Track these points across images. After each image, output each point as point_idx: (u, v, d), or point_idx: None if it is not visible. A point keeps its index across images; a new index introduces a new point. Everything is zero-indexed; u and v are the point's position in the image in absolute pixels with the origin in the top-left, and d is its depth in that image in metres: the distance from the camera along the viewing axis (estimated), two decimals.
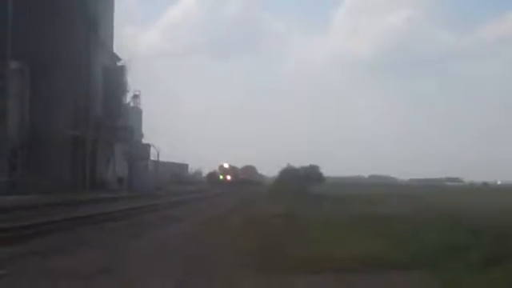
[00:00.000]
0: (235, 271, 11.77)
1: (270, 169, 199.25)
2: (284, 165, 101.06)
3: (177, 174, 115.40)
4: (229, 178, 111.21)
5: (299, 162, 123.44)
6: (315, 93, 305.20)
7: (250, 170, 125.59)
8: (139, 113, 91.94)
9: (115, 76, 70.86)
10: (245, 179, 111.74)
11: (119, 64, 74.12)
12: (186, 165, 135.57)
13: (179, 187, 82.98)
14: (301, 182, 79.88)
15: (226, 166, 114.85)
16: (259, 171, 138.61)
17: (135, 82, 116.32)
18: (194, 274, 11.71)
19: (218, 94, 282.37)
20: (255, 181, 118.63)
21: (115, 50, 73.91)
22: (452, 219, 21.52)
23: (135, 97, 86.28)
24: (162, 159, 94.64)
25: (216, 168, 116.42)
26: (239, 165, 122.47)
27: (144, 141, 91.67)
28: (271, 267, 11.90)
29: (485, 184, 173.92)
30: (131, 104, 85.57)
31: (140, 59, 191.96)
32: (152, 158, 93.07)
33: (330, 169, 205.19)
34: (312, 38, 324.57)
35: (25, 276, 11.10)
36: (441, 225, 18.88)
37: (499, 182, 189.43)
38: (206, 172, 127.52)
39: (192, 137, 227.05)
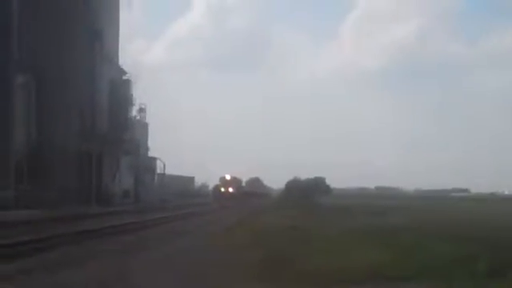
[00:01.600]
0: (241, 284, 11.77)
1: (277, 181, 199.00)
2: (291, 177, 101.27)
3: (183, 187, 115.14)
4: (231, 190, 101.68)
5: (306, 173, 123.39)
6: (321, 104, 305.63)
7: (255, 182, 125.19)
8: (145, 126, 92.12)
9: (121, 89, 71.06)
10: (251, 192, 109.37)
11: (125, 77, 74.37)
12: (192, 178, 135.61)
13: (185, 201, 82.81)
14: (307, 193, 79.97)
15: (227, 177, 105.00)
16: (266, 183, 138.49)
17: (141, 95, 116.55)
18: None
19: (225, 106, 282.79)
20: (261, 193, 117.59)
21: (121, 63, 74.22)
22: (457, 230, 21.51)
23: (141, 110, 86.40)
24: (168, 172, 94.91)
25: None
26: (245, 177, 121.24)
27: (150, 154, 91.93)
28: (278, 280, 11.89)
29: (492, 194, 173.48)
30: (137, 117, 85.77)
31: (146, 73, 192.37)
32: (158, 171, 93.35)
33: (337, 180, 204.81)
34: (318, 49, 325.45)
35: None
36: (446, 236, 18.87)
37: (507, 192, 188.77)
38: (212, 185, 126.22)
39: (198, 150, 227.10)
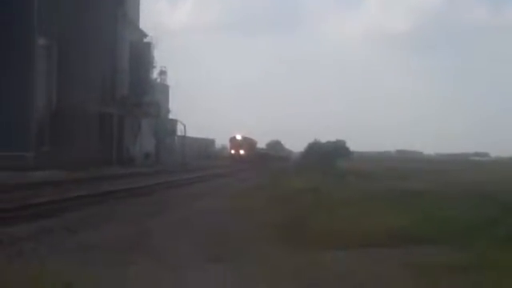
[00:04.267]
0: (261, 245, 11.75)
1: (298, 144, 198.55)
2: (311, 140, 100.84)
3: (203, 148, 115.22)
4: (242, 152, 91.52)
5: (326, 136, 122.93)
6: (344, 68, 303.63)
7: (276, 144, 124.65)
8: (166, 88, 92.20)
9: (142, 52, 71.06)
10: (268, 154, 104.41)
11: (146, 40, 74.28)
12: (213, 140, 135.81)
13: (206, 162, 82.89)
14: (327, 156, 79.72)
15: (238, 137, 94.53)
16: (287, 147, 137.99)
17: (162, 57, 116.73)
18: (224, 248, 11.70)
19: (247, 69, 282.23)
20: (280, 156, 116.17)
21: (142, 25, 74.07)
22: (479, 194, 21.34)
23: (162, 73, 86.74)
24: (188, 135, 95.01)
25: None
26: (267, 140, 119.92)
27: (171, 116, 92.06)
28: (298, 242, 11.87)
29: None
30: (158, 80, 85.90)
31: (168, 35, 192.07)
32: (179, 133, 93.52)
33: (357, 143, 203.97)
34: (342, 12, 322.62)
35: None
36: (468, 199, 18.74)
37: None
38: None
39: (220, 112, 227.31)
